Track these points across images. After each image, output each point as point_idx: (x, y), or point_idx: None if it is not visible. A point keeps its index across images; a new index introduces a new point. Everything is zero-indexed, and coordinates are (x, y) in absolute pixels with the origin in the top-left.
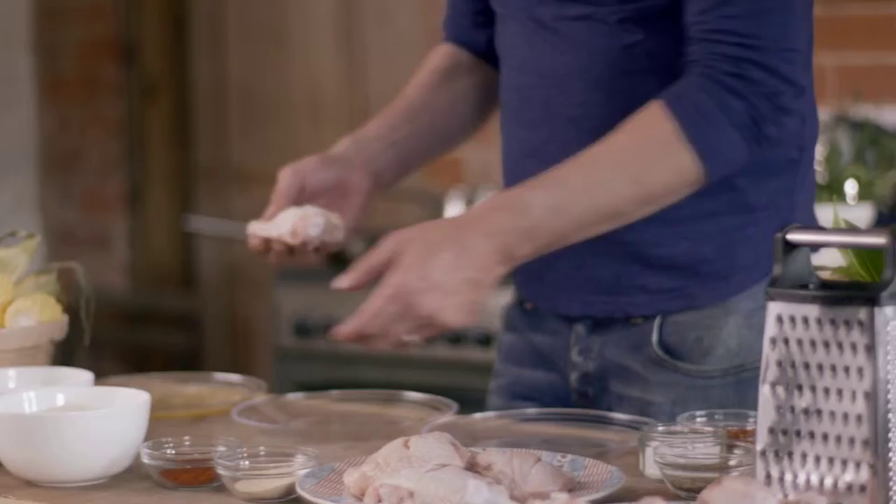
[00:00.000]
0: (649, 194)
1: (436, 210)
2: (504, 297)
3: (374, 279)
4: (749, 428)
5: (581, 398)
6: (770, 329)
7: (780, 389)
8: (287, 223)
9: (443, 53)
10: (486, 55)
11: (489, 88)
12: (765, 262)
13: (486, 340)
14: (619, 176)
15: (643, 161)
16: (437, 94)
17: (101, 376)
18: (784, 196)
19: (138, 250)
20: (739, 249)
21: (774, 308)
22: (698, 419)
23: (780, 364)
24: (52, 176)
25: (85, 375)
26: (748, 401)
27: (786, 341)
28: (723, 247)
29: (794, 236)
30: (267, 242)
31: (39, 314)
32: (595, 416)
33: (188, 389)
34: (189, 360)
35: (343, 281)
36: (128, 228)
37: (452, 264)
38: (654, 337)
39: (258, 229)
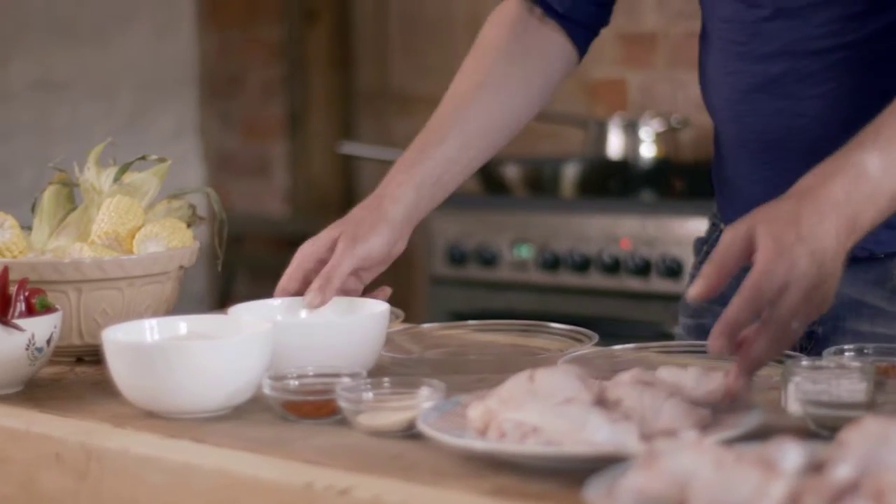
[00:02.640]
0: None
1: (600, 135)
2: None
3: (726, 277)
4: None
5: (805, 338)
6: None
7: None
8: None
9: (506, 20)
10: (565, 15)
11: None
12: None
13: (643, 269)
14: None
15: None
16: (509, 77)
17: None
18: None
19: (298, 175)
20: None
21: None
22: (846, 354)
23: None
24: (212, 101)
25: (380, 306)
26: None
27: None
28: None
29: None
30: None
31: (168, 240)
32: None
33: None
34: None
35: (694, 290)
36: (287, 153)
37: (822, 241)
38: None
39: None
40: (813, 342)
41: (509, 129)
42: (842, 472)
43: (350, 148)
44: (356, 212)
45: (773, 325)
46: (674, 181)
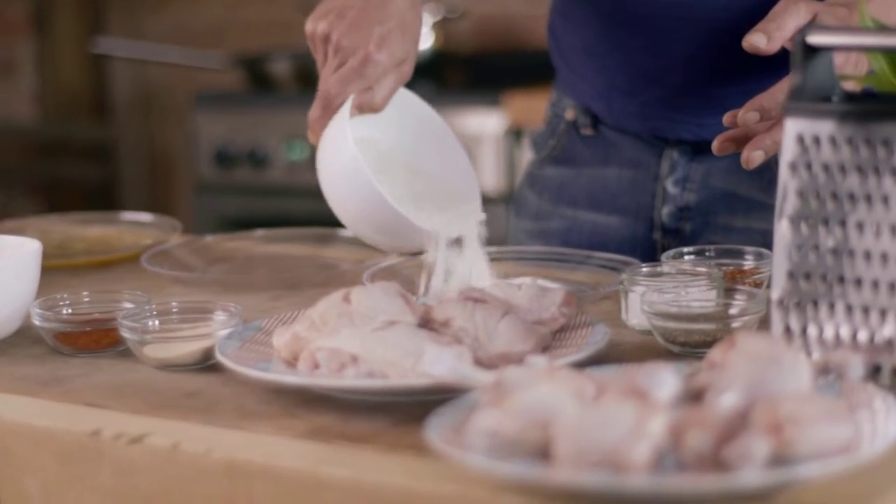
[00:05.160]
0: None
1: None
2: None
3: (784, 39)
4: (746, 267)
5: (670, 236)
6: (788, 152)
7: (803, 226)
8: None
9: None
10: None
11: None
12: None
13: None
14: None
15: None
16: None
17: (10, 212)
18: None
19: (46, 77)
20: None
21: (793, 126)
22: (686, 258)
23: (801, 195)
24: None
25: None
26: None
27: (808, 166)
28: None
29: (815, 38)
30: None
31: None
32: (561, 254)
33: (92, 232)
34: (104, 194)
35: (753, 37)
36: (34, 53)
37: None
38: None
39: None
40: (678, 240)
41: None
42: (727, 401)
43: (104, 46)
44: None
45: None
46: (452, 73)
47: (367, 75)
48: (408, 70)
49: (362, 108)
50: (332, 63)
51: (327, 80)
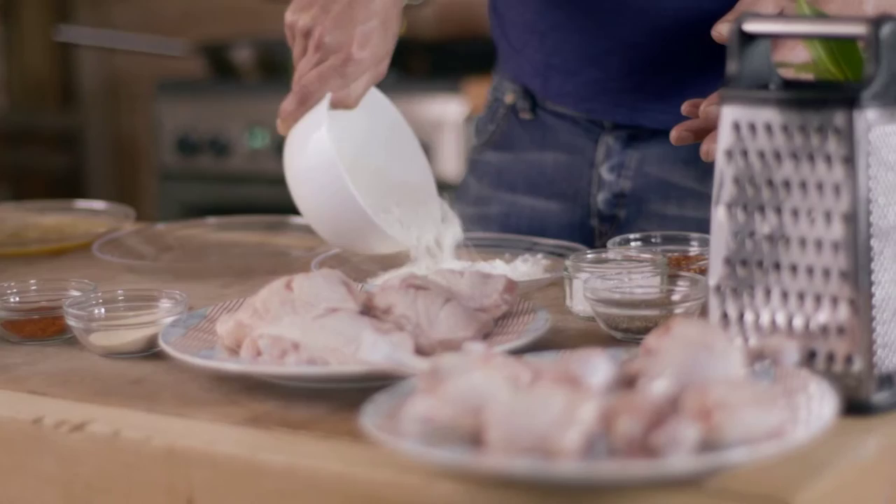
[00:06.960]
0: None
1: None
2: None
3: None
4: (692, 253)
5: (606, 223)
6: (725, 139)
7: (739, 212)
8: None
9: None
10: None
11: None
12: None
13: None
14: None
15: None
16: None
17: None
18: None
19: (13, 64)
20: None
21: (730, 113)
22: (633, 244)
23: (737, 181)
24: None
25: None
26: None
27: (744, 154)
28: None
29: (751, 26)
30: None
31: None
32: (512, 240)
33: (46, 220)
34: (71, 181)
35: (721, 26)
36: (0, 41)
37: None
38: None
39: None
40: (614, 227)
41: None
42: (658, 387)
43: (68, 34)
44: None
45: None
46: (414, 60)
47: (347, 74)
48: (384, 69)
49: (336, 105)
50: (312, 58)
51: (305, 74)
